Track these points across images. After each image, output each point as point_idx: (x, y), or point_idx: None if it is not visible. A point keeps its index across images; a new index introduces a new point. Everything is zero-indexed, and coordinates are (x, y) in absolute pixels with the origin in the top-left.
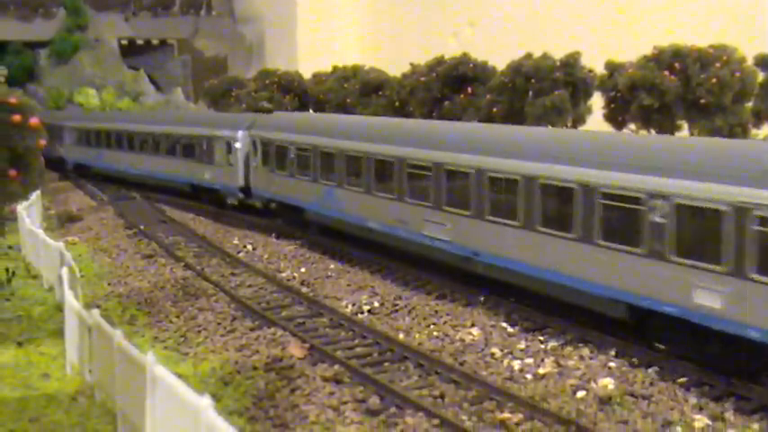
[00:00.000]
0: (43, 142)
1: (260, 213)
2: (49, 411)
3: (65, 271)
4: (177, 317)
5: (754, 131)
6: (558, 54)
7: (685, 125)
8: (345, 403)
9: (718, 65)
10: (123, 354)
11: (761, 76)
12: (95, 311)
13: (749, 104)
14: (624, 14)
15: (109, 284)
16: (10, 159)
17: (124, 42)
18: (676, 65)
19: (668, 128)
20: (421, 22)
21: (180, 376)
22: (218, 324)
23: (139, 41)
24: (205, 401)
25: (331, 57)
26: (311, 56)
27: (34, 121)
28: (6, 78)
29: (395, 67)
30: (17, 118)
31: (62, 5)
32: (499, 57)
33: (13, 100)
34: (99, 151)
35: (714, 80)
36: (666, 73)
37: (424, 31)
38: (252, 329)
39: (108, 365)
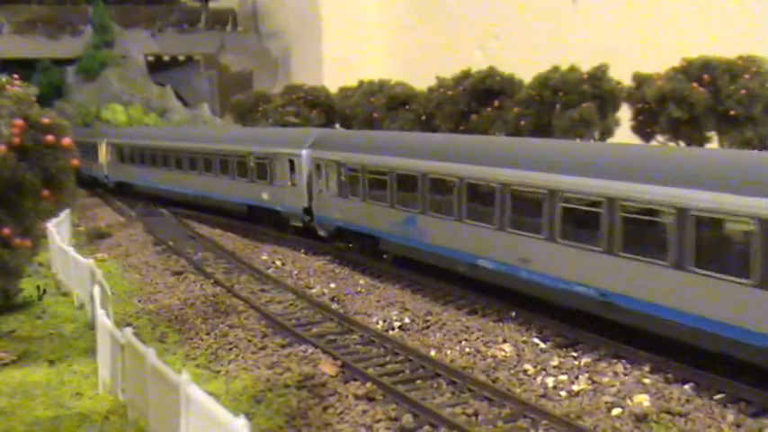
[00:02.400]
0: (76, 162)
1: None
2: (82, 431)
3: (96, 290)
4: (208, 334)
5: None
6: (585, 66)
7: (715, 137)
8: (379, 421)
9: (747, 76)
10: (156, 373)
11: None
12: (128, 330)
13: None
14: (650, 26)
15: (139, 301)
16: (43, 179)
17: (151, 58)
18: (705, 76)
19: (698, 140)
20: (446, 34)
21: (212, 394)
22: (249, 341)
23: (166, 57)
24: (240, 422)
25: (356, 71)
26: (336, 70)
27: (67, 141)
28: (37, 97)
29: (420, 81)
30: (50, 138)
31: (89, 23)
32: (525, 69)
33: (46, 120)
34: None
35: (743, 91)
36: (695, 85)
37: (449, 44)
38: (283, 346)
39: (141, 384)
